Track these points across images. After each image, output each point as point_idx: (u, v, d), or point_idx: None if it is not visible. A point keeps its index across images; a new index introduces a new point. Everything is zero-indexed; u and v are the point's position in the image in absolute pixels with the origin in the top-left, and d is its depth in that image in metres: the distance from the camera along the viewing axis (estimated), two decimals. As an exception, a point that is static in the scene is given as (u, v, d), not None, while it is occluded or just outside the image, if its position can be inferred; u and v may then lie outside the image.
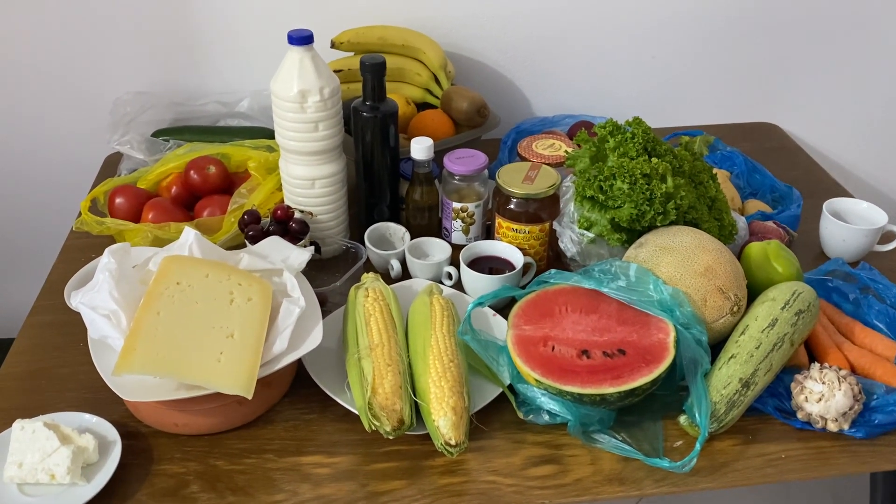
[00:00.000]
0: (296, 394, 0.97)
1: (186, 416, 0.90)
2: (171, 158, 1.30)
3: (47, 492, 0.83)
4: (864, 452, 0.91)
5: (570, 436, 0.90)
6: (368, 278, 1.04)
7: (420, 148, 1.16)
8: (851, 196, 1.33)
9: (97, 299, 0.89)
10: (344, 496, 0.85)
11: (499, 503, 0.85)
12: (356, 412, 0.89)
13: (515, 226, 1.13)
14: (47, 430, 0.84)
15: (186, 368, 0.84)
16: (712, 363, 0.94)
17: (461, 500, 0.85)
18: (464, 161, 1.17)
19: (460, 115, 1.35)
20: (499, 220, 1.15)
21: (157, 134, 1.44)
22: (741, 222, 1.17)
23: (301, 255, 1.01)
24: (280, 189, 1.20)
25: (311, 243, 1.13)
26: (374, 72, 1.11)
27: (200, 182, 1.26)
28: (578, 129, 1.30)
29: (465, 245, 1.15)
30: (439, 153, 1.21)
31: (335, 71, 1.36)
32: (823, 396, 0.90)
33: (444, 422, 0.85)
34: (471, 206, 1.18)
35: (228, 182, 1.28)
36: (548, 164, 1.20)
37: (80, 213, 1.18)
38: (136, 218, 1.21)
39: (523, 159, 1.28)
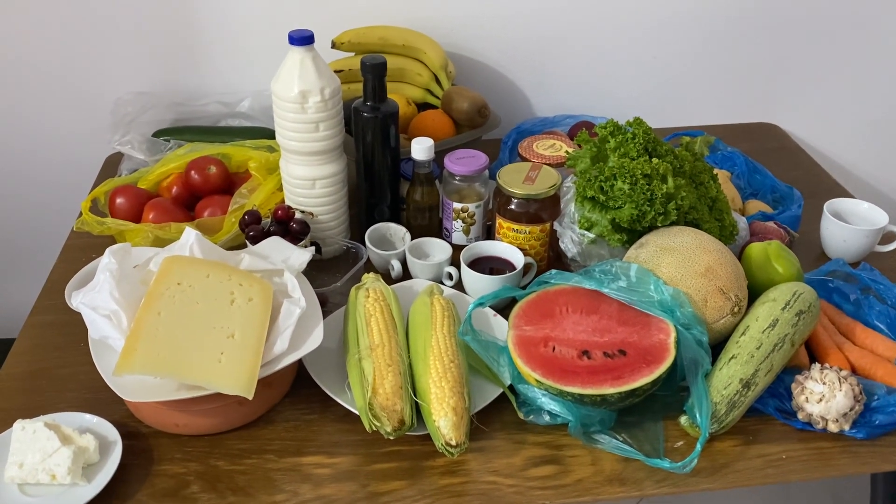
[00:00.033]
0: (296, 394, 0.97)
1: (187, 417, 0.90)
2: (172, 159, 1.30)
3: (48, 492, 0.83)
4: (864, 453, 0.91)
5: (570, 436, 0.90)
6: (369, 279, 1.04)
7: (421, 148, 1.16)
8: (852, 196, 1.33)
9: (98, 299, 0.89)
10: (344, 496, 0.85)
11: (499, 504, 0.85)
12: (357, 412, 0.89)
13: (516, 226, 1.13)
14: (48, 430, 0.85)
15: (187, 369, 0.84)
16: (713, 364, 0.94)
17: (462, 501, 0.85)
18: (464, 161, 1.17)
19: (461, 115, 1.35)
20: (499, 221, 1.15)
21: (157, 134, 1.44)
22: (742, 223, 1.17)
23: (302, 256, 1.01)
24: (281, 189, 1.20)
25: (312, 243, 1.13)
26: (374, 72, 1.11)
27: (201, 182, 1.26)
28: (579, 130, 1.30)
29: (465, 245, 1.15)
30: (440, 153, 1.21)
31: (336, 71, 1.36)
32: (824, 397, 0.90)
33: (444, 422, 0.85)
34: (471, 207, 1.18)
35: (229, 182, 1.28)
36: (548, 165, 1.20)
37: (80, 213, 1.18)
38: (137, 218, 1.21)
39: (524, 160, 1.28)
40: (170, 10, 1.45)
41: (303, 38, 1.03)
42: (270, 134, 1.37)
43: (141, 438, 0.91)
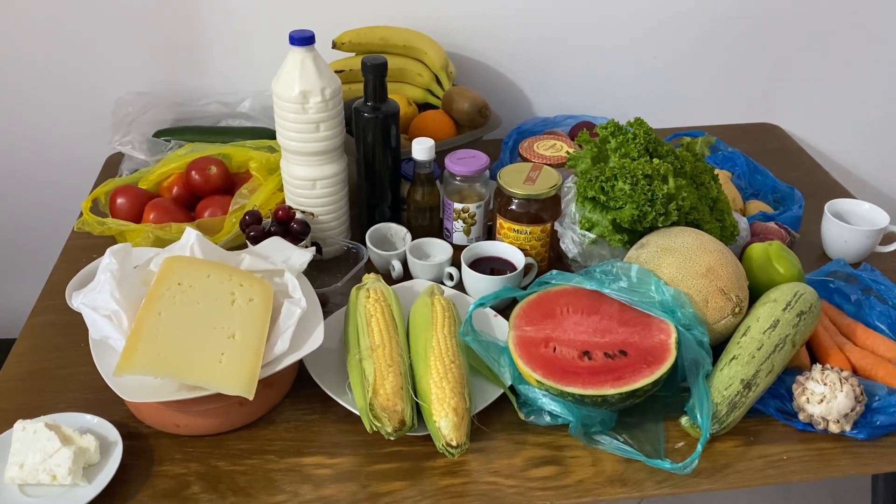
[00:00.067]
0: (297, 394, 0.97)
1: (187, 417, 0.90)
2: (173, 159, 1.30)
3: (48, 492, 0.83)
4: (865, 454, 0.91)
5: (571, 437, 0.90)
6: (370, 279, 1.04)
7: (421, 148, 1.16)
8: (853, 197, 1.33)
9: (98, 300, 0.89)
10: (345, 497, 0.85)
11: (500, 504, 0.85)
12: (357, 413, 0.89)
13: (517, 226, 1.13)
14: (48, 430, 0.85)
15: (188, 369, 0.84)
16: (714, 364, 0.93)
17: (462, 501, 0.85)
18: (465, 162, 1.17)
19: (461, 115, 1.35)
20: (500, 221, 1.15)
21: (158, 134, 1.44)
22: (743, 223, 1.17)
23: (302, 256, 1.01)
24: (281, 189, 1.19)
25: (313, 244, 1.13)
26: (375, 72, 1.11)
27: (202, 182, 1.26)
28: (580, 130, 1.30)
29: (466, 246, 1.15)
30: (440, 154, 1.20)
31: (336, 71, 1.36)
32: (825, 398, 0.90)
33: (445, 423, 0.85)
34: (472, 207, 1.18)
35: (230, 182, 1.28)
36: (549, 165, 1.20)
37: (81, 214, 1.18)
38: (138, 218, 1.21)
39: (525, 160, 1.28)
40: (170, 10, 1.45)
41: (303, 39, 1.03)
42: (271, 134, 1.37)
43: (141, 439, 0.91)
